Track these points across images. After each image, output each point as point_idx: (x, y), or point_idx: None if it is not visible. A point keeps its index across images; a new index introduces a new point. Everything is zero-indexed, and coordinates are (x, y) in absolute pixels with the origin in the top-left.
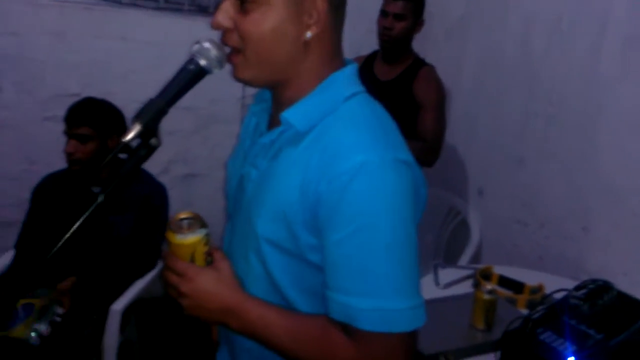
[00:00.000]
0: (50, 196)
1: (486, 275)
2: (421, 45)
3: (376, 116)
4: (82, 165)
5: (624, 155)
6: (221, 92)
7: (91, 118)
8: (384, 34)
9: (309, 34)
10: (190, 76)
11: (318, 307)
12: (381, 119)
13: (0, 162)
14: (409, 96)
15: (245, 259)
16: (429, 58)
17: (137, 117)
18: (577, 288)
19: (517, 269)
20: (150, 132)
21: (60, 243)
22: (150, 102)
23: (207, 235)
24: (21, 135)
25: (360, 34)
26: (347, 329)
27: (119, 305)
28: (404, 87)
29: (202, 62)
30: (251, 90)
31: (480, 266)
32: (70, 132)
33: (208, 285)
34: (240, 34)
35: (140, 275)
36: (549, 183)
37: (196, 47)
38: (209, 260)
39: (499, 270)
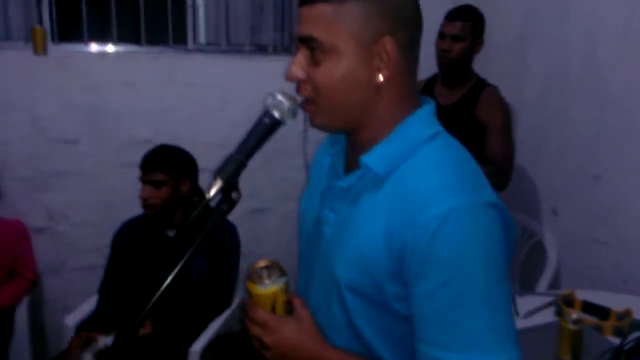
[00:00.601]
0: (129, 242)
1: (569, 301)
2: (482, 62)
3: (459, 157)
4: (157, 209)
5: None
6: (283, 127)
7: (164, 164)
8: (442, 57)
9: (380, 78)
10: (265, 129)
11: (403, 358)
12: (463, 160)
13: (80, 210)
14: (473, 119)
15: (327, 306)
16: (490, 75)
17: (218, 173)
18: None
19: (601, 293)
20: (231, 186)
21: (151, 304)
22: (230, 157)
23: (286, 283)
24: (99, 183)
25: (420, 57)
26: None
27: (198, 346)
28: (466, 111)
29: (276, 115)
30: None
31: (562, 292)
32: (145, 178)
33: (291, 336)
34: (313, 85)
35: (217, 315)
36: (629, 199)
37: (269, 100)
38: (289, 309)
39: (581, 295)
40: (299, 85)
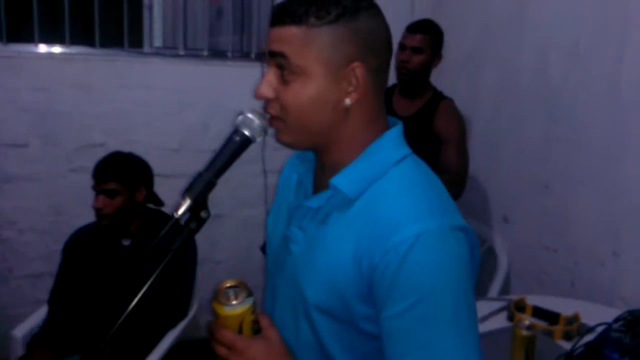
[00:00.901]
0: (82, 251)
1: (520, 306)
2: (437, 74)
3: (427, 180)
4: (111, 219)
5: None
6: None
7: (118, 173)
8: (401, 67)
9: (348, 101)
10: (236, 147)
11: None
12: (431, 182)
13: (27, 215)
14: (430, 131)
15: (294, 324)
16: (445, 87)
17: (187, 192)
18: (616, 320)
19: (549, 298)
20: (199, 205)
21: (116, 328)
22: (199, 176)
23: (254, 303)
24: (47, 188)
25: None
26: None
27: (155, 357)
28: (424, 123)
29: (247, 132)
30: (272, 130)
31: (513, 297)
32: (99, 187)
33: (259, 357)
34: (280, 103)
35: (173, 325)
36: (577, 208)
37: (240, 118)
38: (256, 329)
39: (531, 300)
40: (267, 103)
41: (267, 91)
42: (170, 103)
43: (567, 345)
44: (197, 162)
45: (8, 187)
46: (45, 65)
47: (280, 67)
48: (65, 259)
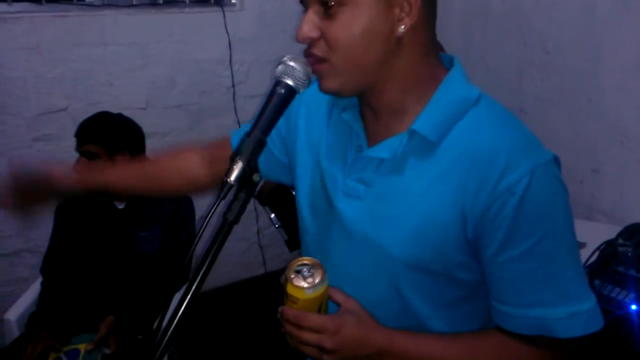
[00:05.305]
0: (74, 215)
1: None
2: None
3: (512, 117)
4: None
5: (629, 95)
6: (210, 84)
7: (97, 135)
8: None
9: (402, 28)
10: (280, 100)
11: (452, 321)
12: (515, 118)
13: None
14: None
15: (371, 284)
16: None
17: (237, 154)
18: (619, 235)
19: None
20: (252, 168)
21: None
22: (247, 136)
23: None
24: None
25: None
26: (537, 341)
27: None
28: None
29: (290, 83)
30: (241, 78)
31: None
32: (80, 149)
33: (354, 333)
34: (327, 41)
35: (176, 289)
36: (554, 129)
37: (280, 67)
38: (327, 304)
39: None
40: (311, 44)
41: (311, 31)
42: (130, 59)
43: None
44: (167, 119)
45: None
46: None
47: (322, 3)
48: (57, 224)
